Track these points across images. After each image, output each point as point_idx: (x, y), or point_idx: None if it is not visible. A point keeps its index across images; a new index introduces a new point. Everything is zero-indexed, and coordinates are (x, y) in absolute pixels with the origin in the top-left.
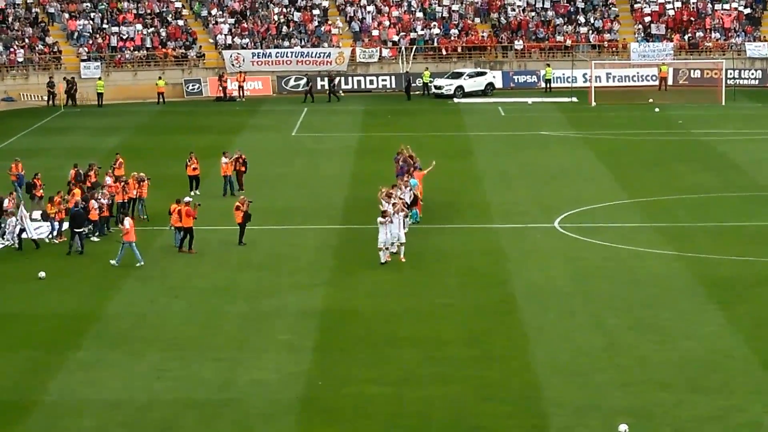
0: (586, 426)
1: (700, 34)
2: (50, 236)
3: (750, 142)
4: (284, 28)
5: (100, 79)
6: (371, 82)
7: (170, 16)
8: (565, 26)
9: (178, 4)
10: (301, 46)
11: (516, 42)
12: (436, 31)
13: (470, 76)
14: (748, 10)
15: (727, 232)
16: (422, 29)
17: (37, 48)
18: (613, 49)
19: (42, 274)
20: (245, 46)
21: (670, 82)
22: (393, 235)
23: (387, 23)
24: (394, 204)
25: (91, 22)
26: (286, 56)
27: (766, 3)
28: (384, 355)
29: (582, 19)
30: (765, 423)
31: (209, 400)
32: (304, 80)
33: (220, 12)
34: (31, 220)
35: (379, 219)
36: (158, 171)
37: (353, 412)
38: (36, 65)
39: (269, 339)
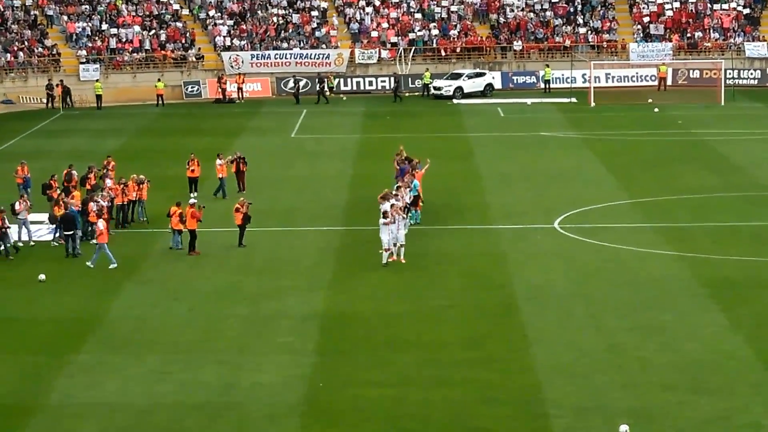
0: (587, 427)
1: (699, 34)
2: (54, 240)
3: (750, 142)
4: (282, 31)
5: (97, 81)
6: (370, 83)
7: (169, 17)
8: (564, 27)
9: (177, 6)
10: (300, 48)
11: (515, 43)
12: (435, 32)
13: (469, 77)
14: (747, 10)
15: (727, 232)
16: (421, 30)
17: (36, 50)
18: (612, 49)
19: (42, 276)
20: (244, 47)
21: (669, 82)
22: (393, 237)
23: (386, 24)
24: (392, 205)
25: (90, 24)
26: (285, 58)
27: (765, 3)
28: (385, 358)
29: (581, 19)
30: (767, 424)
31: (210, 403)
32: (291, 82)
33: (219, 14)
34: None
35: (382, 221)
36: (158, 173)
37: (354, 414)
38: (35, 68)
39: (270, 342)
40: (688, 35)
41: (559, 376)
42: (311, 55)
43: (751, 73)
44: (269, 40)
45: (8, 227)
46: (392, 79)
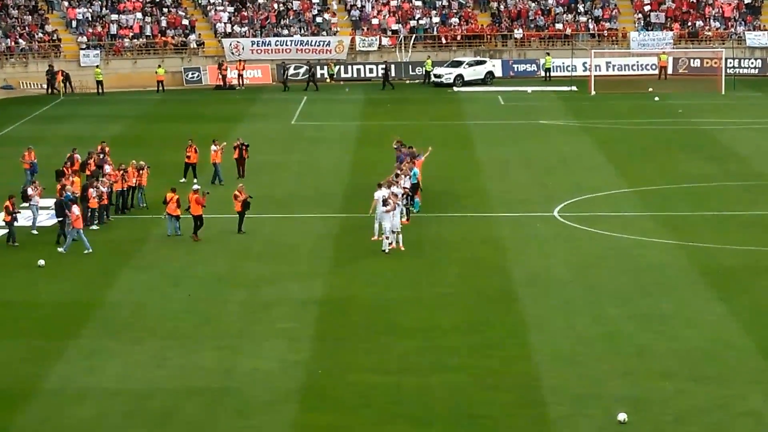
0: (585, 415)
1: (699, 23)
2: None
3: (750, 131)
4: (283, 18)
5: (98, 67)
6: (371, 70)
7: (170, 4)
8: (564, 15)
9: None
10: (301, 35)
11: (515, 31)
12: (436, 19)
13: (470, 64)
14: (748, 0)
15: (727, 221)
16: (422, 18)
17: (36, 36)
18: (613, 38)
19: (41, 262)
20: (245, 34)
21: (669, 71)
22: (393, 224)
23: (386, 12)
24: (394, 194)
25: (90, 9)
26: (286, 45)
27: None
28: (384, 344)
29: (582, 7)
30: (765, 412)
31: (209, 388)
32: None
33: (220, 0)
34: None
35: (383, 208)
36: (158, 159)
37: (353, 400)
38: (35, 53)
39: (269, 327)
40: (689, 24)
41: (557, 364)
42: (312, 42)
43: (752, 63)
44: (270, 27)
45: (18, 212)
46: (382, 66)
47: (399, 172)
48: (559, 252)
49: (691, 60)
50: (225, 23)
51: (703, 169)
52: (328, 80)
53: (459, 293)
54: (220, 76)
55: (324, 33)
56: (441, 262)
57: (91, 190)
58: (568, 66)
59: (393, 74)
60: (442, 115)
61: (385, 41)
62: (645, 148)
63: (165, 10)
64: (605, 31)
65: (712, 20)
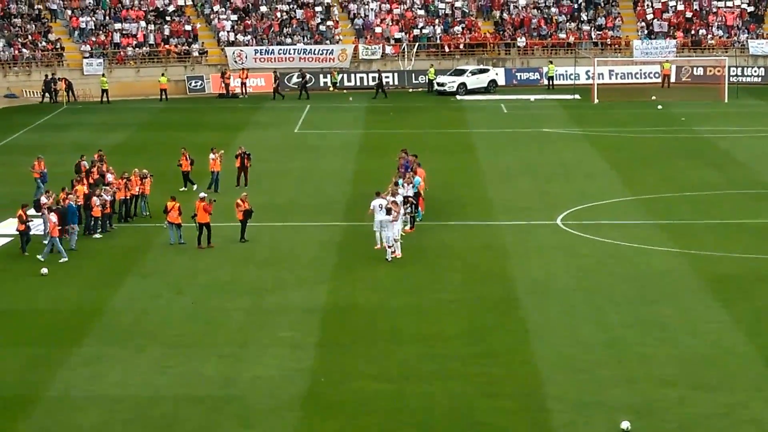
0: (588, 422)
1: (702, 31)
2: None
3: (753, 139)
4: (286, 26)
5: (104, 75)
6: (374, 79)
7: (173, 12)
8: (567, 23)
9: (181, 2)
10: (304, 43)
11: (519, 39)
12: (439, 28)
13: (473, 73)
14: (751, 8)
15: (729, 229)
16: (425, 26)
17: (39, 45)
18: (616, 46)
19: (44, 270)
20: (248, 42)
21: (672, 79)
22: (396, 232)
23: (389, 20)
24: (395, 202)
25: (93, 18)
26: (289, 53)
27: None
28: (386, 352)
29: (585, 16)
30: (767, 420)
31: (212, 396)
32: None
33: (223, 9)
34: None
35: (387, 217)
36: (161, 168)
37: (356, 408)
38: (38, 62)
39: (272, 335)
40: (692, 32)
41: (560, 371)
42: (315, 50)
43: (755, 71)
44: (273, 36)
45: (31, 220)
46: (374, 75)
47: (400, 179)
48: (561, 259)
49: (694, 68)
50: (228, 32)
51: (705, 177)
52: (331, 89)
53: (461, 300)
54: (223, 85)
55: (327, 41)
56: (443, 269)
57: (94, 198)
58: (571, 74)
59: (396, 82)
60: (445, 123)
61: (389, 50)
62: (647, 156)
63: (168, 18)
64: (608, 40)
65: (715, 28)
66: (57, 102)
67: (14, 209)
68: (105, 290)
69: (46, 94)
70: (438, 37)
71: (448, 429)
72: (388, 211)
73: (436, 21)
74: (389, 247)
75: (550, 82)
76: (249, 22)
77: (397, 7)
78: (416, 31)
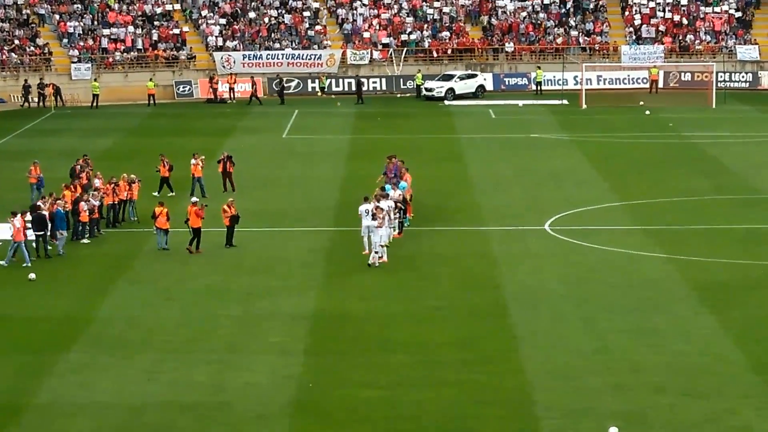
0: (578, 429)
1: (690, 37)
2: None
3: (740, 144)
4: (274, 31)
5: (95, 80)
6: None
7: (161, 17)
8: (555, 29)
9: (169, 6)
10: (292, 48)
11: (507, 44)
12: (427, 33)
13: (461, 78)
14: (738, 14)
15: (718, 234)
16: (413, 31)
17: (27, 49)
18: (604, 51)
19: (32, 275)
20: (236, 47)
21: (660, 84)
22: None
23: (377, 25)
24: (379, 208)
25: (82, 23)
26: (277, 58)
27: (757, 5)
28: (376, 359)
29: (573, 21)
30: (756, 427)
31: (202, 402)
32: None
33: (211, 14)
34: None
35: (374, 222)
36: (149, 173)
37: (346, 415)
38: (26, 67)
39: (261, 342)
40: (680, 38)
41: (550, 378)
42: (303, 55)
43: (743, 76)
44: (261, 41)
45: (28, 227)
46: (353, 81)
47: (388, 185)
48: (551, 266)
49: (682, 74)
50: (216, 37)
51: (694, 183)
52: (319, 94)
53: (451, 307)
54: (211, 90)
55: (315, 46)
56: (433, 276)
57: (82, 203)
58: (559, 80)
59: (384, 87)
60: (433, 128)
61: (377, 55)
62: (636, 161)
63: (156, 23)
64: (596, 45)
65: (702, 34)
66: (45, 107)
67: (3, 215)
68: (94, 297)
69: (27, 99)
70: (426, 42)
71: None
72: (373, 216)
73: (425, 26)
74: (375, 252)
75: (538, 88)
76: (237, 27)
77: (386, 13)
78: (404, 37)
